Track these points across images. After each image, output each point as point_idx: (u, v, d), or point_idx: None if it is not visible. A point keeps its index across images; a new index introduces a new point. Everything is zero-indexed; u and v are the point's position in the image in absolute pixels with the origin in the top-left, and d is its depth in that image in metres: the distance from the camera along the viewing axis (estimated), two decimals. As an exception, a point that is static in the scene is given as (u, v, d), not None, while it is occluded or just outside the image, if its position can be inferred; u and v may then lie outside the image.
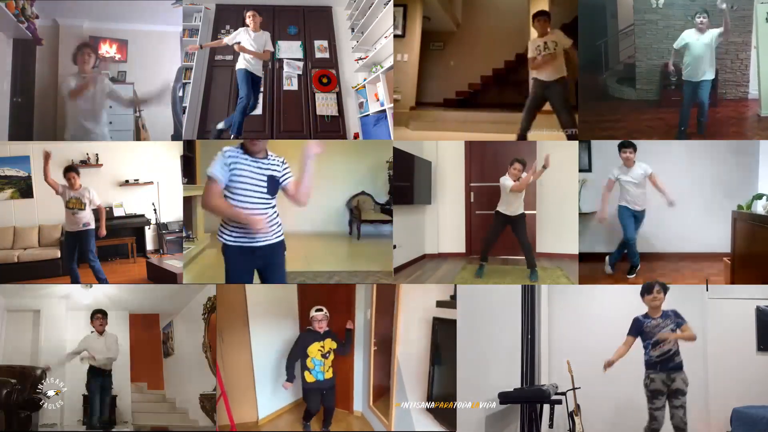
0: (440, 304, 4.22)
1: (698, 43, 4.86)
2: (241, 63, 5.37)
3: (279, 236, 3.42)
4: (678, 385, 3.85)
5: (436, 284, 4.51)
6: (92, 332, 4.95)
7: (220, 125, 5.55)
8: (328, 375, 4.34)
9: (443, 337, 4.15)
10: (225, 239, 3.34)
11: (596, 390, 4.36)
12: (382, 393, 4.57)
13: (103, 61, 5.61)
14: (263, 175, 3.30)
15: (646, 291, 3.98)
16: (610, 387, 4.41)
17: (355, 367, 4.95)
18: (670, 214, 5.46)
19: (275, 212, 3.40)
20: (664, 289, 3.97)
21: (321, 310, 4.36)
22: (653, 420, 3.87)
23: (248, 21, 5.30)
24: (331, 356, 4.36)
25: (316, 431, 4.44)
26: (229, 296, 4.78)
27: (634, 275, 5.04)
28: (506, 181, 5.29)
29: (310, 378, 4.31)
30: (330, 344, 4.37)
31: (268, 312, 4.96)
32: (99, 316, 4.94)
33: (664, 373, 3.86)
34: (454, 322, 4.06)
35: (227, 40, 5.47)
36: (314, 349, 4.31)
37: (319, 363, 4.30)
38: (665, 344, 3.84)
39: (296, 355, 4.35)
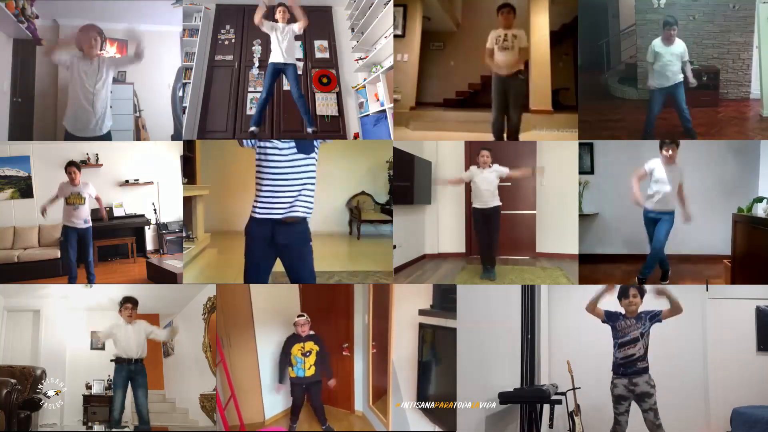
0: (422, 312, 4.28)
1: (667, 51, 4.83)
2: (272, 57, 5.63)
3: (305, 211, 3.28)
4: (643, 388, 3.81)
5: (425, 287, 4.53)
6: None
7: (253, 128, 5.74)
8: (309, 373, 4.48)
9: (428, 342, 4.21)
10: (255, 212, 3.25)
11: (596, 390, 4.35)
12: (381, 393, 4.61)
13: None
14: (288, 139, 3.27)
15: (622, 295, 3.89)
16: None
17: (355, 368, 5.02)
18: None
19: (312, 178, 3.29)
20: (641, 293, 3.88)
21: (302, 316, 4.54)
22: (617, 424, 3.86)
23: (278, 16, 5.64)
24: (312, 356, 4.50)
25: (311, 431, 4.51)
26: (234, 299, 4.83)
27: (667, 281, 4.85)
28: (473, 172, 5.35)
29: (292, 373, 4.49)
30: (311, 346, 4.52)
31: (272, 315, 5.02)
32: (128, 306, 4.56)
33: (626, 378, 3.83)
34: (438, 328, 4.12)
35: (265, 28, 5.68)
36: (295, 350, 4.50)
37: (300, 360, 4.47)
38: (629, 348, 3.82)
39: (283, 358, 4.55)
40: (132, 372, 4.57)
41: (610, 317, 3.91)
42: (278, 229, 3.24)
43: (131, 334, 4.56)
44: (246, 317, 4.93)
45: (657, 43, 4.88)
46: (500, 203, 5.36)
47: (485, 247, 5.47)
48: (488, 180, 5.29)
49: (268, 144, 3.25)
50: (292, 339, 4.54)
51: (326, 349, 4.57)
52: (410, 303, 4.38)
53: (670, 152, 4.60)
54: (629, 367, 3.83)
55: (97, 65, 4.66)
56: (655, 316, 3.85)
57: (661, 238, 4.67)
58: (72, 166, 5.16)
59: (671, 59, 4.83)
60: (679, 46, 4.84)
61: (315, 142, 3.33)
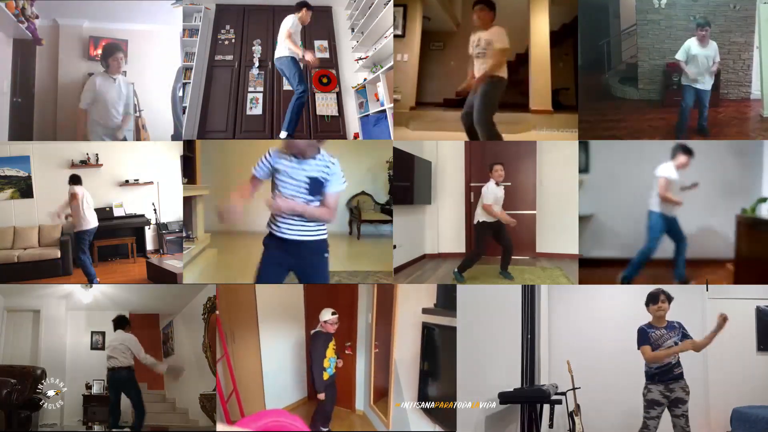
0: (426, 311, 4.26)
1: (702, 54, 4.98)
2: (284, 51, 5.45)
3: (320, 234, 3.33)
4: (678, 394, 3.79)
5: (428, 287, 4.52)
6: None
7: (283, 134, 5.62)
8: (333, 371, 4.39)
9: (430, 342, 4.19)
10: (271, 228, 3.30)
11: (596, 390, 4.36)
12: (382, 393, 4.61)
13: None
14: (306, 176, 3.22)
15: (651, 301, 3.85)
16: (610, 387, 4.41)
17: (357, 368, 5.01)
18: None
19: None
20: (669, 298, 3.85)
21: (335, 314, 4.33)
22: (645, 428, 3.83)
23: (302, 14, 5.46)
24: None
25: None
26: (238, 297, 4.83)
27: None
28: (494, 190, 5.30)
29: (326, 375, 4.28)
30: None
31: (277, 312, 5.02)
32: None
33: (662, 385, 3.80)
34: (441, 327, 4.11)
35: (293, 31, 5.46)
36: (330, 349, 4.31)
37: (333, 361, 4.32)
38: (665, 357, 3.78)
39: (320, 362, 4.25)
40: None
41: (643, 340, 3.82)
42: (293, 246, 3.27)
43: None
44: (250, 314, 4.92)
45: (693, 45, 5.01)
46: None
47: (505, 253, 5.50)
48: (500, 198, 5.34)
49: (285, 174, 3.22)
50: (325, 338, 4.29)
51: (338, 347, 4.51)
52: (414, 302, 4.37)
53: (685, 160, 4.55)
54: (665, 375, 3.80)
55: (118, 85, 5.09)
56: (685, 335, 3.80)
57: (656, 243, 4.65)
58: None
59: (707, 62, 4.99)
60: (712, 48, 5.00)
61: (325, 187, 3.26)
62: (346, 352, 4.89)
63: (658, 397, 3.79)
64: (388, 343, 4.40)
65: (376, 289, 4.80)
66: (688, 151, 4.59)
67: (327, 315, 4.30)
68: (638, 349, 3.83)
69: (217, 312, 4.62)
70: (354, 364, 5.01)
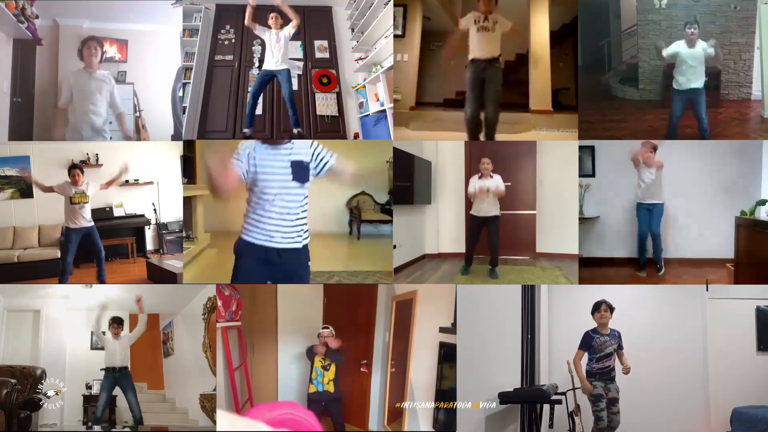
0: (443, 330, 4.25)
1: (690, 55, 4.79)
2: (265, 64, 5.66)
3: (303, 240, 3.05)
4: (613, 394, 4.13)
5: (447, 304, 4.38)
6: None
7: (246, 130, 5.76)
8: (328, 388, 4.39)
9: (447, 363, 4.18)
10: (245, 233, 2.99)
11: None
12: (397, 414, 4.54)
13: (106, 59, 5.53)
14: (285, 160, 2.94)
15: (594, 309, 4.19)
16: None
17: (372, 387, 4.94)
18: (672, 218, 5.43)
19: (304, 209, 3.06)
20: (611, 308, 4.17)
21: (327, 328, 4.51)
22: (599, 420, 4.08)
23: (270, 22, 5.61)
24: (332, 369, 4.40)
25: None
26: (260, 310, 4.82)
27: (662, 272, 5.13)
28: (474, 182, 5.42)
29: (312, 388, 4.40)
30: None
31: (296, 328, 5.03)
32: (115, 325, 5.09)
33: (602, 382, 4.14)
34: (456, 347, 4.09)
35: (258, 31, 5.70)
36: (317, 360, 4.43)
37: (320, 374, 4.39)
38: (606, 361, 4.16)
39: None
40: (117, 378, 4.98)
41: (585, 344, 4.17)
42: (274, 255, 2.97)
43: (117, 349, 5.01)
44: (271, 328, 4.94)
45: (680, 46, 4.83)
46: (499, 214, 5.48)
47: (491, 250, 5.57)
48: (482, 189, 5.37)
49: (263, 164, 2.95)
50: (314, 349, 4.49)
51: (342, 363, 4.50)
52: (431, 321, 4.32)
53: (648, 153, 4.96)
54: (604, 375, 4.17)
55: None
56: (620, 347, 4.20)
57: (645, 229, 5.14)
58: (75, 169, 5.19)
59: (695, 63, 4.78)
60: (699, 47, 4.79)
61: (311, 174, 3.04)
62: (362, 369, 4.85)
63: (601, 392, 4.10)
64: (405, 363, 4.34)
65: (395, 307, 4.74)
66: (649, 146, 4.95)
67: (320, 329, 4.52)
68: (578, 349, 4.16)
69: (240, 323, 4.62)
70: (369, 382, 4.93)
